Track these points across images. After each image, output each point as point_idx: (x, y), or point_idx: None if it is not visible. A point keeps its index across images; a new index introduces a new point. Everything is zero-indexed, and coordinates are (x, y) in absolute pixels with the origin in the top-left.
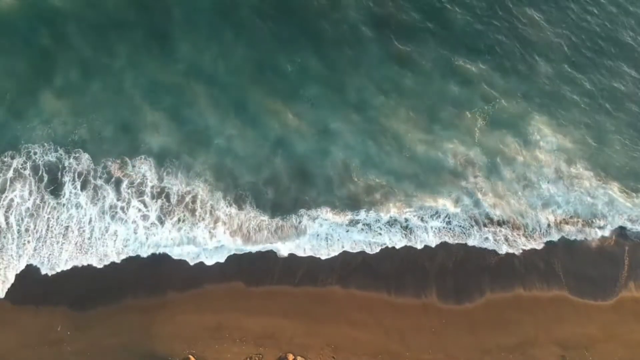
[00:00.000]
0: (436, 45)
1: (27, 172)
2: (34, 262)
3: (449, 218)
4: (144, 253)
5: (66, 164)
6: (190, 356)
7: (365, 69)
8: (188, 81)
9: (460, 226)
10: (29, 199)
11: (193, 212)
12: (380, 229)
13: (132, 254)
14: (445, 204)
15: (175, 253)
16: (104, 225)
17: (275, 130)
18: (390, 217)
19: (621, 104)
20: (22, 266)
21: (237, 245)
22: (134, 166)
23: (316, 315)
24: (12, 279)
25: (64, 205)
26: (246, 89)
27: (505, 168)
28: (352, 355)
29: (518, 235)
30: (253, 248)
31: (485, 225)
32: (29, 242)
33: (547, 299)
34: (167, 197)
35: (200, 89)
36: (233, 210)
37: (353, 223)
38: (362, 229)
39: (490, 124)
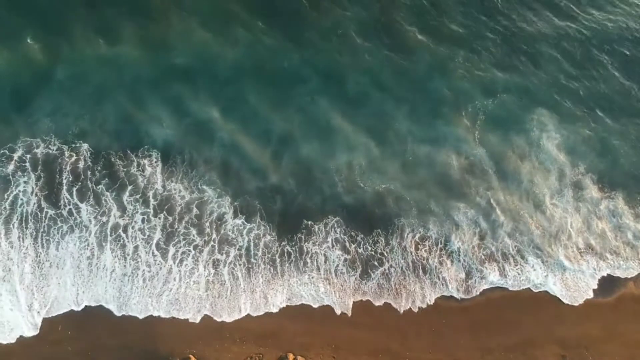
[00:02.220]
0: (436, 42)
1: (26, 170)
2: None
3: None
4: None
5: (68, 161)
6: (191, 356)
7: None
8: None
9: (480, 272)
10: (29, 202)
11: (201, 229)
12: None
13: (130, 312)
14: (462, 229)
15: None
16: (103, 261)
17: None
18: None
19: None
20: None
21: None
22: (139, 164)
23: (316, 315)
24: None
25: (64, 218)
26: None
27: (514, 176)
28: (352, 355)
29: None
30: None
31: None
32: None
33: (548, 298)
34: (171, 210)
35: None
36: (240, 221)
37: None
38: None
39: (493, 122)
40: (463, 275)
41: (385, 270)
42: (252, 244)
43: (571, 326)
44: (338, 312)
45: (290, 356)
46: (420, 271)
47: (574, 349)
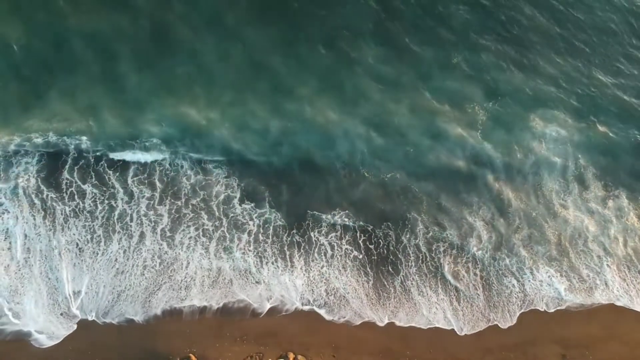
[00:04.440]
0: (437, 39)
1: (29, 164)
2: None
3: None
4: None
5: (70, 148)
6: (191, 355)
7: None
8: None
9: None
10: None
11: (210, 213)
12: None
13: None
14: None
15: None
16: (113, 263)
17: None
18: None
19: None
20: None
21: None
22: (143, 148)
23: (317, 314)
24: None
25: (67, 206)
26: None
27: (518, 177)
28: (353, 354)
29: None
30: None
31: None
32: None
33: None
34: (177, 194)
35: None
36: (248, 206)
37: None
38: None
39: (495, 121)
40: (483, 300)
41: (401, 280)
42: (261, 229)
43: (572, 326)
44: (358, 322)
45: (291, 355)
46: (440, 289)
47: (575, 349)
